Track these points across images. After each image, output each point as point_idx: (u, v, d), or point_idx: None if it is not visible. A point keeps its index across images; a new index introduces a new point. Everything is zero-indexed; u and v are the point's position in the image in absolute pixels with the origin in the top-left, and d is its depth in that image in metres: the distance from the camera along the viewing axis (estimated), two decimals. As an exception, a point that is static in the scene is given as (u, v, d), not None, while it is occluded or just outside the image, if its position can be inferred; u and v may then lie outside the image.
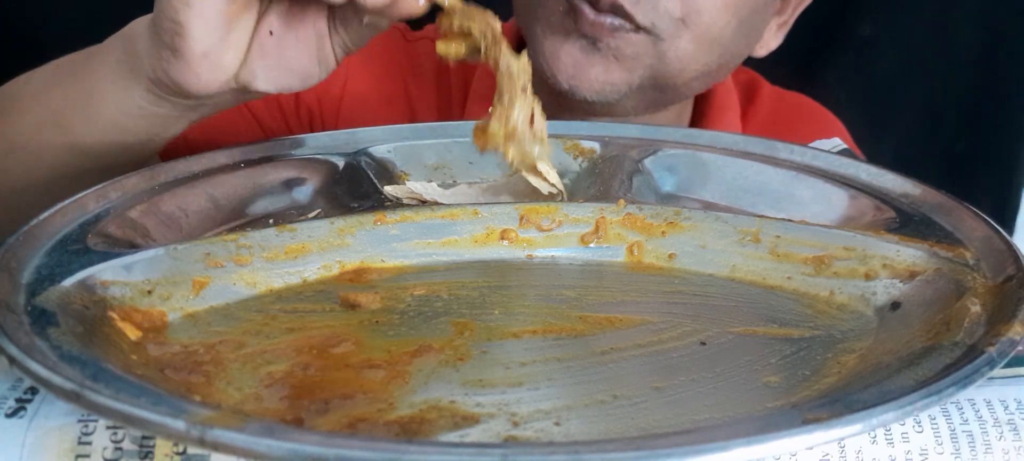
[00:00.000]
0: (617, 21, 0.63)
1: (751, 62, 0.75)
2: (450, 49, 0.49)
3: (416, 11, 0.47)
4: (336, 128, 0.65)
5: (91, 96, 0.52)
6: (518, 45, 0.77)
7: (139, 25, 0.51)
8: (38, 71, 0.58)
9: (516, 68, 0.48)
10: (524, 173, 0.52)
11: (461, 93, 0.77)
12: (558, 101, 0.67)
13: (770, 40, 0.73)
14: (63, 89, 0.54)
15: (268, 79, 0.49)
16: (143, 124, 0.52)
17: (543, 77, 0.66)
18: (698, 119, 0.77)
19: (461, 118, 0.75)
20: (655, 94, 0.67)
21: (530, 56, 0.68)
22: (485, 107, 0.52)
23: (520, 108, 0.48)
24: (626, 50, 0.64)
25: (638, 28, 0.63)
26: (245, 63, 0.48)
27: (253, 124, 0.72)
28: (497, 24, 0.49)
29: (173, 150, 0.55)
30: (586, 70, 0.64)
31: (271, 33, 0.48)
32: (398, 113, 0.76)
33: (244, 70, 0.48)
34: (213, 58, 0.47)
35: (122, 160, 0.54)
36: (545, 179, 0.51)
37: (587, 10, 0.63)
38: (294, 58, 0.49)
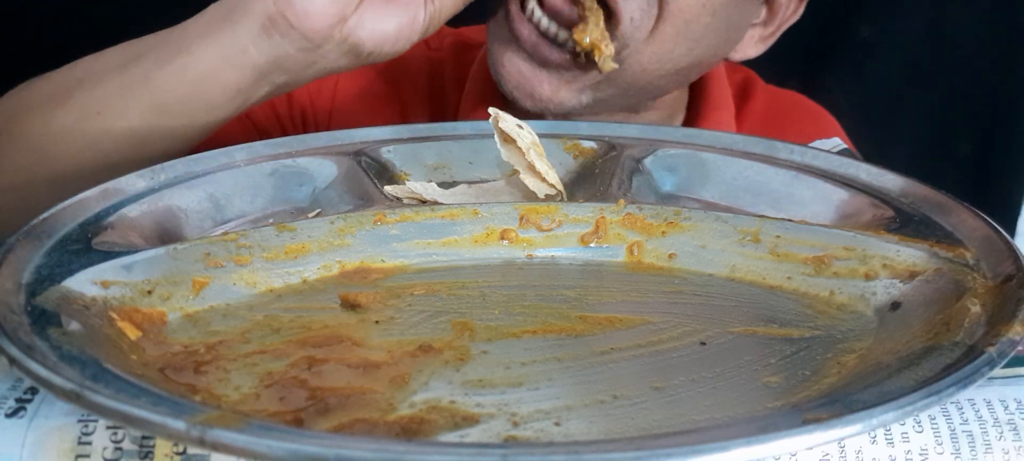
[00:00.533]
0: (565, 55, 0.62)
1: (749, 63, 0.75)
2: None
3: None
4: (329, 129, 0.65)
5: (187, 51, 0.56)
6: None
7: None
8: (108, 51, 0.60)
9: None
10: (522, 176, 0.52)
11: (455, 94, 0.77)
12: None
13: (748, 48, 0.71)
14: (153, 53, 0.58)
15: (371, 31, 0.56)
16: (239, 75, 0.56)
17: (495, 80, 0.66)
18: (692, 117, 0.76)
19: (454, 118, 0.75)
20: (622, 100, 0.67)
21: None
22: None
23: (596, 23, 0.60)
24: (573, 69, 0.63)
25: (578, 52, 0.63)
26: (358, 10, 0.55)
27: (248, 124, 0.72)
28: None
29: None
30: (533, 85, 0.64)
31: None
32: (390, 115, 0.76)
33: (355, 16, 0.55)
34: None
35: (197, 123, 0.58)
36: (544, 180, 0.51)
37: (518, 23, 0.62)
38: (397, 14, 0.56)
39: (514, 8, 0.63)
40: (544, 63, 0.63)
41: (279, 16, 0.54)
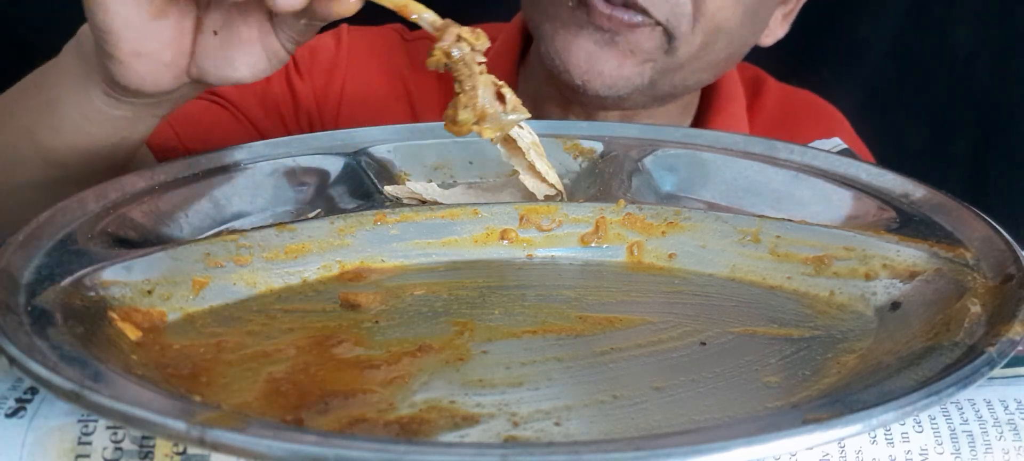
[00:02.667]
0: (637, 17, 0.63)
1: (750, 59, 0.75)
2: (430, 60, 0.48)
3: (346, 12, 0.45)
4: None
5: (54, 105, 0.52)
6: (526, 42, 0.77)
7: (87, 31, 0.50)
8: (11, 89, 0.57)
9: (468, 51, 0.47)
10: (522, 177, 0.52)
11: None
12: (568, 95, 0.67)
13: (776, 29, 0.73)
14: (28, 102, 0.54)
15: (219, 76, 0.49)
16: (107, 128, 0.52)
17: (555, 72, 0.66)
18: (704, 109, 0.77)
19: None
20: (665, 87, 0.68)
21: (541, 52, 0.68)
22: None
23: (483, 88, 0.47)
24: (643, 44, 0.64)
25: (656, 24, 0.63)
26: (193, 62, 0.48)
27: (251, 130, 0.72)
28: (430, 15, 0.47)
29: (171, 155, 0.55)
30: (600, 64, 0.65)
31: (215, 33, 0.48)
32: (399, 113, 0.76)
33: (193, 68, 0.49)
34: (150, 57, 0.47)
35: (94, 168, 0.53)
36: (544, 180, 0.51)
37: (599, 3, 0.63)
38: (241, 56, 0.49)
39: (597, 2, 0.63)
40: (616, 33, 0.64)
41: (112, 86, 0.49)
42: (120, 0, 0.45)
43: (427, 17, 0.46)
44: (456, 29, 0.46)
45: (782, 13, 0.73)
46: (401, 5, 0.46)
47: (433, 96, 0.77)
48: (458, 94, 0.47)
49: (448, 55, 0.46)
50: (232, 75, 0.49)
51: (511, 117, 0.48)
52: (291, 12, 0.45)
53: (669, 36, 0.64)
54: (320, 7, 0.45)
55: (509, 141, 0.52)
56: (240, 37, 0.48)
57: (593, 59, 0.65)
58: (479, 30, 0.47)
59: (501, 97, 0.47)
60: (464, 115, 0.47)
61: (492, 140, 0.49)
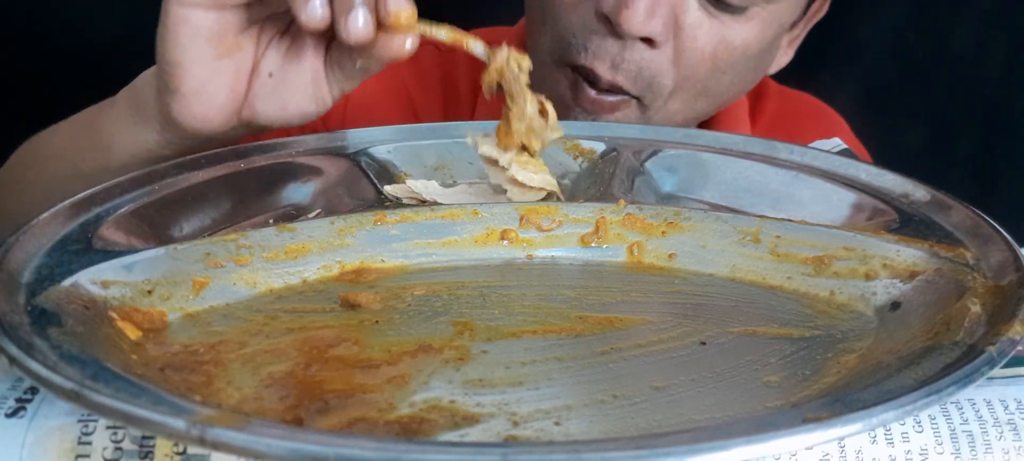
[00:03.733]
0: (617, 98, 0.66)
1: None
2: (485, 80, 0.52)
3: (402, 54, 0.48)
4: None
5: (106, 146, 0.55)
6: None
7: (145, 76, 0.54)
8: (61, 124, 0.60)
9: (516, 71, 0.51)
10: (509, 193, 0.51)
11: (470, 93, 0.77)
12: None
13: (781, 58, 0.74)
14: (78, 142, 0.57)
15: (268, 117, 0.52)
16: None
17: None
18: (709, 118, 0.77)
19: (470, 118, 0.75)
20: None
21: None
22: (497, 103, 0.52)
23: (530, 102, 0.51)
24: (621, 120, 0.67)
25: (630, 97, 0.66)
26: (246, 103, 0.51)
27: (251, 139, 0.72)
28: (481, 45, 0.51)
29: None
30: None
31: (270, 75, 0.51)
32: (403, 119, 0.76)
33: (246, 109, 0.52)
34: (208, 95, 0.50)
35: None
36: (528, 187, 0.51)
37: (590, 90, 0.66)
38: (292, 98, 0.52)
39: (589, 89, 0.66)
40: (599, 114, 0.67)
41: (171, 123, 0.51)
42: (191, 37, 0.48)
43: (479, 47, 0.51)
44: (506, 52, 0.50)
45: (788, 39, 0.73)
46: (454, 39, 0.50)
47: (436, 102, 0.77)
48: (510, 109, 0.51)
49: (501, 74, 0.51)
50: (283, 116, 0.52)
51: (552, 135, 0.52)
52: (358, 44, 0.47)
53: (644, 109, 0.67)
54: (380, 47, 0.48)
55: (490, 160, 0.51)
56: (293, 81, 0.52)
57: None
58: (525, 53, 0.51)
59: (544, 112, 0.51)
60: (516, 126, 0.51)
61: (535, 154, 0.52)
